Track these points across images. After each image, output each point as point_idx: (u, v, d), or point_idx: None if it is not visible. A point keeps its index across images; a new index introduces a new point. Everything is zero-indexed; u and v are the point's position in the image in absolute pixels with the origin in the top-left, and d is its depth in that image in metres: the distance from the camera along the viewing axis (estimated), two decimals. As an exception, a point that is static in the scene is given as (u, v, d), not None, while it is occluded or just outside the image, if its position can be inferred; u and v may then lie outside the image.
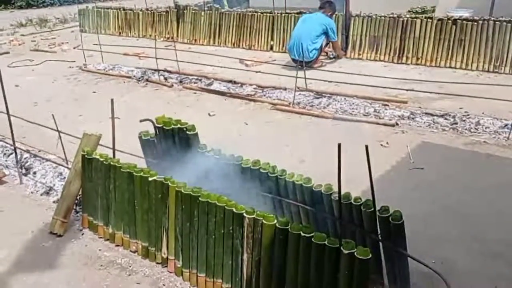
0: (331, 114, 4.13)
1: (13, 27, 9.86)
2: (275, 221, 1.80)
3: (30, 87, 5.56)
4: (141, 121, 2.64)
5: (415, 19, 5.58)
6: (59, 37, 8.80)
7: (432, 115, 3.91)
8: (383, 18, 5.76)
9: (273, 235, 1.80)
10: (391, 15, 5.73)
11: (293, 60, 5.61)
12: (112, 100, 2.37)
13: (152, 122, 2.63)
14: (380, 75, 5.00)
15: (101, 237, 2.53)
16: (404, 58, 5.64)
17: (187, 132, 2.50)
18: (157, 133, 2.64)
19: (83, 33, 8.68)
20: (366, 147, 1.64)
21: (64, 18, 10.58)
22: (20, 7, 13.39)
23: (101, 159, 2.46)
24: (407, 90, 4.45)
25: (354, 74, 4.68)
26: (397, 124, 3.85)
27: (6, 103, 3.16)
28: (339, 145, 1.50)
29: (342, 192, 1.80)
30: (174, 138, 2.55)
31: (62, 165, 3.13)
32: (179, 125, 2.52)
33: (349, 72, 4.92)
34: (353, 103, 4.32)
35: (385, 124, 3.85)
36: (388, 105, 4.23)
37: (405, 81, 4.67)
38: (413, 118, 3.91)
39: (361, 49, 5.96)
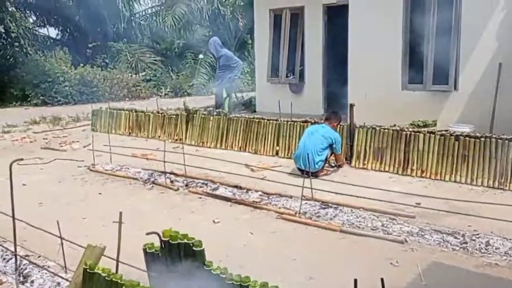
0: (338, 226, 4.07)
1: (26, 124, 10.19)
2: None
3: (37, 186, 5.59)
4: (147, 234, 2.59)
5: (418, 133, 5.75)
6: (71, 135, 9.05)
7: (441, 232, 3.84)
8: (386, 130, 5.93)
9: None
10: (394, 128, 5.91)
11: (299, 169, 5.71)
12: (120, 213, 2.36)
13: (159, 236, 2.59)
14: (385, 187, 5.01)
15: None
16: (409, 170, 5.70)
17: (194, 248, 2.45)
18: (163, 246, 2.58)
19: (94, 132, 8.98)
20: (382, 280, 1.59)
21: (77, 116, 10.98)
22: (36, 105, 13.97)
23: (103, 274, 2.37)
24: (415, 206, 4.42)
25: (360, 186, 4.70)
26: (406, 241, 3.77)
27: (12, 206, 3.15)
28: (355, 282, 1.45)
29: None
30: (180, 252, 2.49)
31: (61, 277, 3.01)
32: (185, 240, 2.48)
33: (355, 183, 4.94)
34: (360, 216, 4.29)
35: (393, 241, 3.77)
36: (395, 219, 4.19)
37: (411, 195, 4.67)
38: (422, 235, 3.84)
39: (366, 159, 6.06)
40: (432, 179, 5.52)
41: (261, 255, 3.65)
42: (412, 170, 5.70)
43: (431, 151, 5.58)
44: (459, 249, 3.60)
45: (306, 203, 4.58)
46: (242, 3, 15.67)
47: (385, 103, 7.67)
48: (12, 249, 3.33)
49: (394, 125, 6.03)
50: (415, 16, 7.51)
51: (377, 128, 6.03)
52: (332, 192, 4.68)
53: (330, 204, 4.54)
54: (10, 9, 15.62)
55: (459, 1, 6.99)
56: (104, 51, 17.76)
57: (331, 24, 9.57)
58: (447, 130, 5.88)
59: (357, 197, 4.54)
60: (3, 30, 15.98)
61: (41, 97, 14.22)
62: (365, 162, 6.08)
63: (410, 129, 5.99)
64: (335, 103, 8.82)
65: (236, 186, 5.29)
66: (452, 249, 3.61)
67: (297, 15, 9.92)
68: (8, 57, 16.00)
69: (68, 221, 4.03)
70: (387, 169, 5.88)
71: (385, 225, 4.06)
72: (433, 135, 5.62)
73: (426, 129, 6.23)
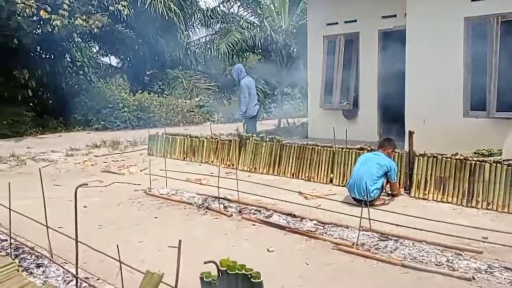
0: (400, 260, 3.87)
1: (88, 148, 10.66)
2: None
3: (96, 208, 5.77)
4: (205, 262, 2.57)
5: (483, 162, 5.44)
6: (128, 159, 9.36)
7: (512, 270, 3.56)
8: (449, 159, 5.66)
9: None
10: (458, 157, 5.63)
11: (354, 199, 5.56)
12: (179, 242, 2.35)
13: (216, 265, 2.56)
14: (449, 219, 4.75)
15: None
16: (474, 202, 5.38)
17: (252, 280, 2.39)
18: (220, 276, 2.55)
19: (150, 156, 9.23)
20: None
21: (134, 141, 11.37)
22: (97, 129, 14.67)
23: (162, 303, 2.36)
24: (482, 240, 4.15)
25: (422, 218, 4.48)
26: (473, 278, 3.52)
27: (76, 229, 3.25)
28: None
29: None
30: (238, 283, 2.44)
31: (119, 302, 3.04)
32: (243, 271, 2.43)
33: (415, 214, 4.73)
34: (422, 249, 4.06)
35: (460, 278, 3.53)
36: (461, 255, 3.93)
37: (477, 228, 4.38)
38: (491, 273, 3.57)
39: (426, 189, 5.79)
40: (499, 212, 5.18)
41: (318, 287, 3.53)
42: (477, 201, 5.37)
43: (497, 182, 5.26)
44: (535, 290, 3.31)
45: (363, 234, 4.41)
46: (294, 30, 15.81)
47: (445, 130, 7.38)
48: (73, 271, 3.42)
49: (456, 154, 5.74)
50: (476, 40, 7.25)
51: (439, 157, 5.76)
52: (391, 224, 4.49)
53: (389, 236, 4.34)
54: (76, 39, 16.64)
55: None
56: (160, 78, 18.49)
57: (387, 49, 9.42)
58: (515, 160, 5.53)
59: (419, 229, 4.32)
60: (69, 59, 17.06)
61: (102, 122, 14.93)
62: (426, 192, 5.81)
63: (475, 159, 5.67)
64: (390, 130, 8.60)
65: (290, 214, 5.20)
66: (527, 290, 3.33)
67: (351, 41, 9.86)
68: (73, 84, 17.00)
69: (125, 244, 4.12)
70: (449, 200, 5.58)
71: (450, 261, 3.82)
72: (500, 165, 5.30)
73: (491, 158, 5.89)
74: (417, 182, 5.89)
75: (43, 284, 3.49)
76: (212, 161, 8.57)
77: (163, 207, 5.87)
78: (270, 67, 14.94)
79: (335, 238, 4.48)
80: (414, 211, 5.12)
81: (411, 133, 5.96)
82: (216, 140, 8.78)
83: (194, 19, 20.84)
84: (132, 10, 15.85)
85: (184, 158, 9.12)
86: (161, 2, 17.15)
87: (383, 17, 9.25)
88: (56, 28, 12.90)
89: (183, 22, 18.64)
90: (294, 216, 5.15)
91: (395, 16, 8.99)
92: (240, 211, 5.49)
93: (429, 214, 4.97)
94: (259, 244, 4.46)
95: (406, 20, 8.13)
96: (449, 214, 5.10)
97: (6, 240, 4.38)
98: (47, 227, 4.00)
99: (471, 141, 6.96)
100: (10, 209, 4.07)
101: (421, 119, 7.57)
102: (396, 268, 3.78)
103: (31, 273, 3.74)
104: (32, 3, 12.39)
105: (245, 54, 18.84)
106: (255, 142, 8.07)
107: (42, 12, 12.59)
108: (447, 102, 7.58)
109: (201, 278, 2.63)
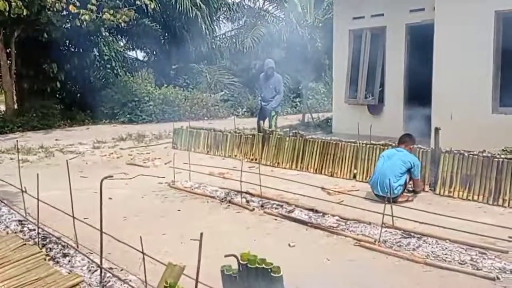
0: (422, 258, 3.82)
1: (114, 141, 10.86)
2: None
3: (121, 200, 5.89)
4: (226, 256, 2.60)
5: (511, 160, 5.30)
6: (153, 152, 9.49)
7: (540, 271, 3.47)
8: (476, 156, 5.53)
9: None
10: (485, 154, 5.50)
11: (376, 195, 5.51)
12: (201, 234, 2.38)
13: (237, 258, 2.59)
14: (474, 217, 4.65)
15: None
16: (501, 200, 5.26)
17: (272, 274, 2.41)
18: (240, 269, 2.57)
19: (174, 150, 9.34)
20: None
21: (159, 134, 11.52)
22: (123, 122, 14.90)
23: (182, 294, 2.40)
24: (508, 240, 4.05)
25: (446, 216, 4.40)
26: (498, 278, 3.44)
27: (101, 220, 3.33)
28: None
29: None
30: (258, 277, 2.46)
31: (142, 292, 3.11)
32: (263, 265, 2.45)
33: (440, 211, 4.65)
34: (446, 248, 3.99)
35: (484, 277, 3.46)
36: (486, 254, 3.85)
37: (503, 228, 4.28)
38: (517, 273, 3.49)
39: (452, 187, 5.69)
40: (528, 211, 5.05)
41: (339, 283, 3.52)
42: (504, 200, 5.25)
43: (526, 180, 5.12)
44: None
45: (386, 231, 4.37)
46: (320, 24, 15.67)
47: (472, 126, 7.21)
48: (98, 261, 3.51)
49: (484, 151, 5.61)
50: (507, 34, 7.04)
51: (466, 154, 5.64)
52: (415, 221, 4.43)
53: (412, 234, 4.28)
54: (104, 33, 16.92)
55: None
56: (185, 72, 18.60)
57: (414, 43, 9.24)
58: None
59: (443, 227, 4.25)
60: (97, 53, 17.38)
61: (128, 115, 15.15)
62: (451, 189, 5.70)
63: (503, 156, 5.53)
64: (416, 126, 8.44)
65: (312, 210, 5.19)
66: (555, 291, 3.24)
67: (378, 35, 9.71)
68: (100, 77, 17.33)
69: (148, 236, 4.19)
70: (475, 198, 5.47)
71: (474, 260, 3.75)
72: (529, 163, 5.15)
73: (521, 156, 5.73)
74: (443, 179, 5.79)
75: (69, 273, 3.59)
76: (235, 155, 8.61)
77: (186, 200, 5.95)
78: (295, 61, 14.85)
79: (357, 235, 4.45)
80: (439, 208, 5.03)
81: (437, 129, 5.85)
82: (240, 134, 8.81)
83: (220, 13, 20.89)
84: (159, 4, 15.99)
85: (207, 152, 9.19)
86: (187, -4, 17.28)
87: (411, 10, 9.06)
88: (84, 22, 13.13)
89: (209, 17, 18.69)
90: (316, 211, 5.14)
91: (423, 9, 8.79)
92: (262, 206, 5.51)
93: (454, 212, 4.89)
94: (280, 239, 4.47)
95: (434, 14, 7.96)
96: (475, 213, 5.00)
97: (34, 229, 4.53)
98: (74, 217, 4.11)
99: (500, 138, 6.76)
100: (38, 199, 4.19)
101: (448, 115, 7.42)
102: (419, 266, 3.74)
103: (58, 262, 3.85)
104: (62, -3, 12.65)
105: (269, 49, 18.80)
106: (278, 136, 8.06)
107: (71, 7, 12.82)
108: (475, 97, 7.39)
109: (222, 271, 2.67)
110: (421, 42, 8.70)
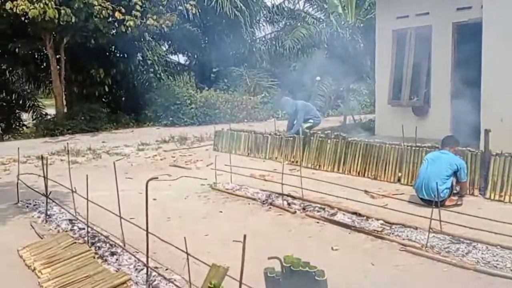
0: (472, 264, 3.67)
1: (157, 143, 11.11)
2: None
3: (165, 201, 6.00)
4: (269, 258, 2.61)
5: None
6: (195, 154, 9.63)
7: None
8: (528, 160, 5.29)
9: None
10: (539, 157, 5.24)
11: (422, 199, 5.35)
12: (244, 236, 2.38)
13: (280, 261, 2.58)
14: (528, 224, 4.42)
15: None
16: (557, 206, 4.99)
17: (316, 278, 2.39)
18: (283, 272, 2.56)
19: (216, 152, 9.45)
20: None
21: (201, 137, 11.68)
22: (165, 125, 15.25)
23: (227, 295, 2.42)
24: None
25: (497, 221, 4.21)
26: (555, 287, 3.26)
27: (147, 221, 3.41)
28: None
29: None
30: (301, 280, 2.44)
31: (187, 291, 3.15)
32: (307, 268, 2.43)
33: (490, 216, 4.44)
34: (497, 254, 3.83)
35: (540, 286, 3.29)
36: (542, 262, 3.66)
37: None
38: None
39: (503, 191, 5.45)
40: None
41: (384, 289, 3.44)
42: (560, 205, 4.98)
43: None
44: None
45: (433, 236, 4.23)
46: (362, 25, 15.44)
47: (525, 128, 6.86)
48: (144, 260, 3.59)
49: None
50: None
51: (518, 157, 5.40)
52: (464, 226, 4.26)
53: (462, 239, 4.13)
54: (147, 39, 17.37)
55: None
56: (226, 76, 18.79)
57: (461, 43, 8.92)
58: None
59: (494, 233, 4.06)
60: (141, 58, 17.86)
61: (170, 118, 15.50)
62: (502, 193, 5.46)
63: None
64: (464, 128, 8.14)
65: (355, 213, 5.11)
66: None
67: (423, 34, 9.44)
68: (144, 82, 17.79)
69: (192, 236, 4.23)
70: (529, 203, 5.22)
71: (529, 268, 3.57)
72: None
73: None
74: (493, 183, 5.55)
75: (117, 271, 3.69)
76: (276, 158, 8.60)
77: (228, 202, 5.99)
78: (336, 62, 14.69)
79: (403, 239, 4.34)
80: (489, 213, 4.82)
81: (487, 132, 5.63)
82: (280, 136, 8.80)
83: (260, 16, 20.98)
84: (199, 9, 16.25)
85: (248, 154, 9.22)
86: (227, 0, 17.45)
87: (458, 9, 8.75)
88: (129, 28, 13.56)
89: (249, 20, 18.82)
90: (360, 215, 5.05)
91: (470, 7, 8.47)
92: (304, 208, 5.48)
93: (505, 217, 4.66)
94: (323, 242, 4.42)
95: (482, 12, 7.65)
96: (529, 218, 4.76)
97: (83, 228, 4.69)
98: (121, 217, 4.22)
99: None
100: (87, 199, 4.34)
101: (498, 117, 7.09)
102: (468, 272, 3.60)
103: (106, 260, 3.98)
104: (108, 5, 13.09)
105: (310, 49, 18.70)
106: (320, 139, 7.99)
107: (117, 14, 13.28)
108: (528, 98, 7.04)
109: (265, 273, 2.67)
110: (469, 42, 8.38)
